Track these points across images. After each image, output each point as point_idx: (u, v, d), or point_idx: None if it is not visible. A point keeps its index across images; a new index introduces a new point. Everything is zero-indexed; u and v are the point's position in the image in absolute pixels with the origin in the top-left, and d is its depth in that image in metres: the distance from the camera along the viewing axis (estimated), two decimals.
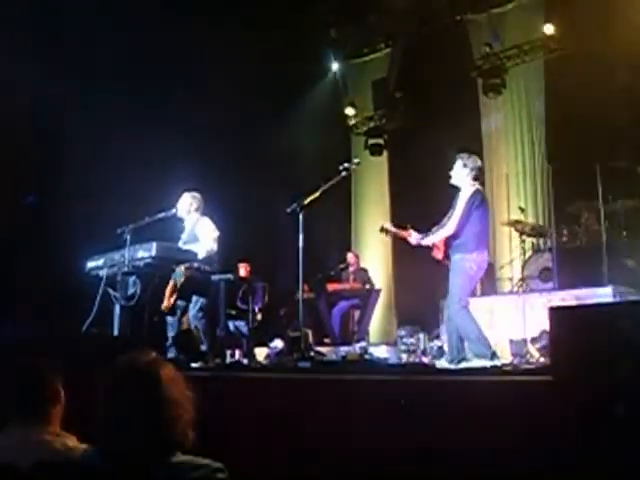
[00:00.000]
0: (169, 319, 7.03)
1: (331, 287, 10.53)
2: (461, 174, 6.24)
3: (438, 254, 6.37)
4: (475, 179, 6.24)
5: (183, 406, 2.33)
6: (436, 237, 6.26)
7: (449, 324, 6.16)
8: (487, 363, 5.58)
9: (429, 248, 6.46)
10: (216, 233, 7.20)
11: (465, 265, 5.99)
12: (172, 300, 6.90)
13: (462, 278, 6.01)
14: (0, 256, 8.88)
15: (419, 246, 6.48)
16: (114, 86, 9.51)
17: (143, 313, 6.38)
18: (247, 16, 10.89)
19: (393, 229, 7.00)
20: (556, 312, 3.61)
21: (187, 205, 7.27)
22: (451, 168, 6.30)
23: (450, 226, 6.07)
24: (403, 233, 6.71)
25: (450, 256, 6.15)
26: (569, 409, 3.15)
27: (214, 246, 7.08)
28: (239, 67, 10.74)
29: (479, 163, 6.32)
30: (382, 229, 7.03)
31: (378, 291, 10.81)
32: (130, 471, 2.24)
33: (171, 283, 6.91)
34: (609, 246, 8.16)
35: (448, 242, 6.19)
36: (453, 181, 6.30)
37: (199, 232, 7.19)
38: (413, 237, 6.47)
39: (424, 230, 6.48)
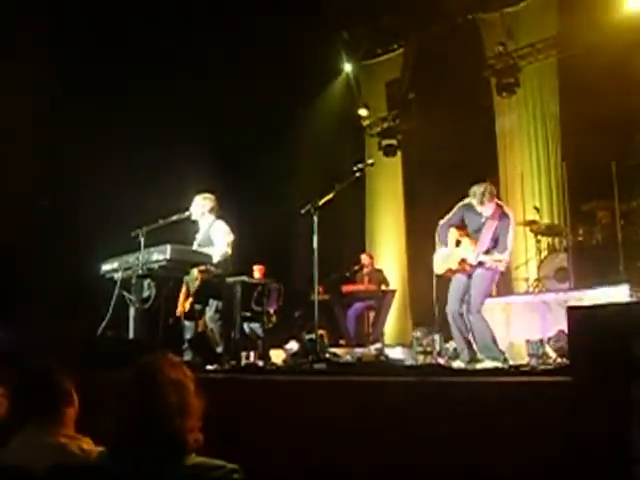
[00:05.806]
0: (187, 323, 7.03)
1: (346, 288, 10.51)
2: (490, 202, 6.23)
3: (469, 268, 6.31)
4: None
5: (188, 408, 2.32)
6: (506, 256, 6.12)
7: (458, 323, 6.28)
8: (501, 365, 5.60)
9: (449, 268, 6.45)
10: (231, 237, 7.16)
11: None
12: (187, 305, 6.92)
13: (492, 279, 6.24)
14: (16, 259, 8.94)
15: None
16: (129, 89, 9.54)
17: (158, 316, 6.38)
18: (261, 17, 10.89)
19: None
20: (574, 312, 3.60)
21: (200, 207, 7.25)
22: (475, 209, 6.32)
23: (509, 245, 6.11)
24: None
25: (485, 259, 6.13)
26: (588, 410, 3.12)
27: (228, 250, 7.04)
28: (253, 68, 10.76)
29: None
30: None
31: (393, 292, 10.77)
32: (144, 474, 2.23)
33: (184, 288, 6.94)
34: (625, 245, 8.13)
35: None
36: (486, 214, 6.27)
37: (214, 236, 7.16)
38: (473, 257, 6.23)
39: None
